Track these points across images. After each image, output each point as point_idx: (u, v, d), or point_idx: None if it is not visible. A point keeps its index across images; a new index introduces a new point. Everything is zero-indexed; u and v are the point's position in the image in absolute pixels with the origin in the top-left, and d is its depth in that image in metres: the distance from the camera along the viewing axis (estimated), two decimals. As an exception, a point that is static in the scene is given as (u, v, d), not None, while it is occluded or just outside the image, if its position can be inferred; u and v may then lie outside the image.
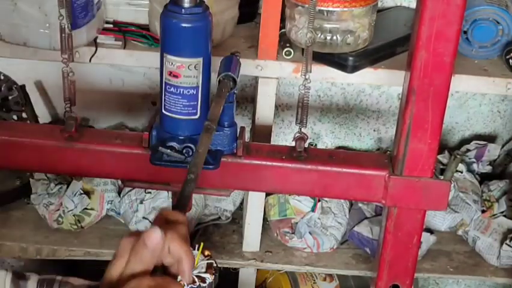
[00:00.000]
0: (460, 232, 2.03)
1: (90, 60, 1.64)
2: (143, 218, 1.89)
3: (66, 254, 1.89)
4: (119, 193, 1.97)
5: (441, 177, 1.74)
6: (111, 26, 1.69)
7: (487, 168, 2.12)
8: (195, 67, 1.15)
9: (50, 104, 2.07)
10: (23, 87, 1.89)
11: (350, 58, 1.64)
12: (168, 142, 1.19)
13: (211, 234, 1.99)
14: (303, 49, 1.55)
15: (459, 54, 1.41)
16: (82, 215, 1.91)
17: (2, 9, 1.55)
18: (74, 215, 1.90)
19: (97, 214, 1.94)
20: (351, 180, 1.24)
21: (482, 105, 2.16)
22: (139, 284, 0.82)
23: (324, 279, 2.11)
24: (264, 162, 1.23)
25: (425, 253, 1.95)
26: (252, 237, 1.92)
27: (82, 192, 1.90)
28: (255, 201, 1.86)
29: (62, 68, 1.22)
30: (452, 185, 1.97)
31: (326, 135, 2.18)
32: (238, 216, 2.05)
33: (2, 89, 1.96)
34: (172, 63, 1.15)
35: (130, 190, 1.94)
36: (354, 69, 1.65)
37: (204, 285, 1.50)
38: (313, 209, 1.94)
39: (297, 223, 1.94)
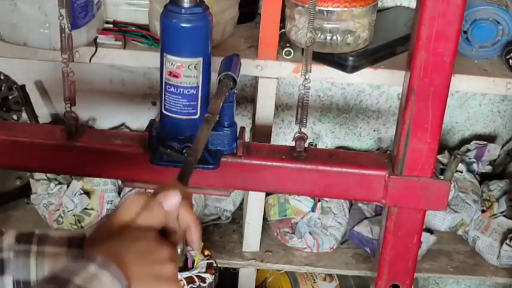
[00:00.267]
0: (460, 232, 2.02)
1: (90, 60, 1.64)
2: (143, 218, 1.89)
3: (66, 254, 1.89)
4: (119, 193, 1.97)
5: (441, 177, 1.74)
6: (111, 26, 1.69)
7: (487, 168, 2.12)
8: (195, 67, 1.15)
9: (50, 104, 2.07)
10: (23, 87, 1.89)
11: (350, 58, 1.64)
12: (168, 142, 1.19)
13: (211, 234, 1.99)
14: (303, 49, 1.55)
15: (459, 54, 1.41)
16: (82, 215, 1.91)
17: (2, 9, 1.55)
18: (74, 215, 1.90)
19: (97, 214, 1.93)
20: (351, 180, 1.24)
21: (482, 105, 2.16)
22: (146, 235, 0.82)
23: (324, 279, 2.10)
24: (264, 162, 1.24)
25: (425, 253, 1.95)
26: (252, 237, 1.92)
27: (82, 192, 1.90)
28: (255, 201, 1.86)
29: (62, 68, 1.22)
30: (452, 185, 1.97)
31: (326, 135, 2.18)
32: (238, 216, 2.05)
33: (2, 88, 1.96)
34: (172, 63, 1.15)
35: (130, 190, 1.93)
36: (354, 69, 1.65)
37: (204, 285, 1.50)
38: (313, 209, 1.94)
39: (297, 223, 1.94)
